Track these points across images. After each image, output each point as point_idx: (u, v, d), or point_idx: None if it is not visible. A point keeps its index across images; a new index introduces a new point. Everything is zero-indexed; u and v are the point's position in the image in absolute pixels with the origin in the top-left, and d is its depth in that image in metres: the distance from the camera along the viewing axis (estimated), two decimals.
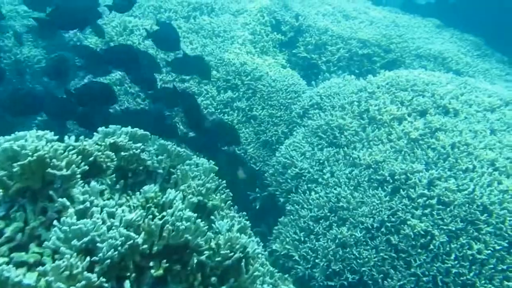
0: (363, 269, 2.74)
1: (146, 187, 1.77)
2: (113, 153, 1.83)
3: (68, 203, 1.52)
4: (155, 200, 1.71)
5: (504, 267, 2.63)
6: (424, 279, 2.65)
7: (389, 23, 5.11)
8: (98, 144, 1.94)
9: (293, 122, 3.75)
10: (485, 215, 2.77)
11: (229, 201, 2.29)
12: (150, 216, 1.56)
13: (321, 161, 3.31)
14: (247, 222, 2.10)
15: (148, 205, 1.63)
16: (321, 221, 3.00)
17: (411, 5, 6.47)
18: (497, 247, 2.67)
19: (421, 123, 3.29)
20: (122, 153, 1.92)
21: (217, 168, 2.37)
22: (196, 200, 2.07)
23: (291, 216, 3.13)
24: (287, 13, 4.74)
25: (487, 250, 2.66)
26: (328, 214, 3.00)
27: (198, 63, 3.34)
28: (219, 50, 4.05)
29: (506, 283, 2.59)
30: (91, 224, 1.42)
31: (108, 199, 1.84)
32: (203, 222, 1.77)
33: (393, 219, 2.83)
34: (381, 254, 2.74)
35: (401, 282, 2.67)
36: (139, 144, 1.99)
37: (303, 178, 3.29)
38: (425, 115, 3.37)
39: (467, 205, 2.81)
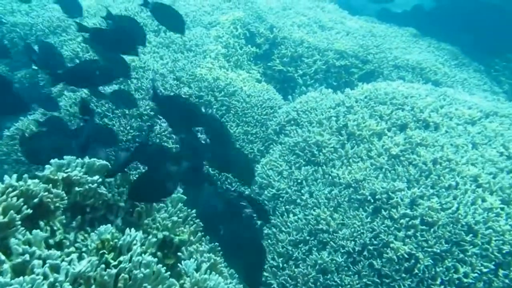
0: None
1: (101, 228, 1.58)
2: (63, 192, 1.63)
3: (3, 257, 1.32)
4: (111, 243, 1.52)
5: None
6: None
7: (365, 33, 5.02)
8: (50, 178, 1.74)
9: (269, 139, 3.60)
10: (470, 235, 2.65)
11: (199, 234, 2.11)
12: (103, 266, 1.37)
13: (299, 181, 3.16)
14: (218, 258, 1.92)
15: (101, 251, 1.44)
16: (300, 246, 2.84)
17: (387, 14, 6.43)
18: (484, 270, 2.55)
19: (401, 138, 3.17)
20: (77, 188, 1.73)
21: (185, 198, 2.19)
22: (162, 236, 1.89)
23: (269, 241, 2.96)
24: (262, 24, 4.60)
25: (473, 273, 2.54)
26: (308, 237, 2.85)
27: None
28: (191, 65, 3.88)
29: None
30: (29, 283, 1.22)
31: (60, 240, 1.64)
32: (166, 265, 1.59)
33: (375, 242, 2.69)
34: (364, 280, 2.59)
35: None
36: (96, 177, 1.80)
37: (280, 199, 3.13)
38: (405, 129, 3.26)
39: (451, 225, 2.69)
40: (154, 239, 1.84)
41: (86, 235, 1.84)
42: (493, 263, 2.58)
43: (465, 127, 3.39)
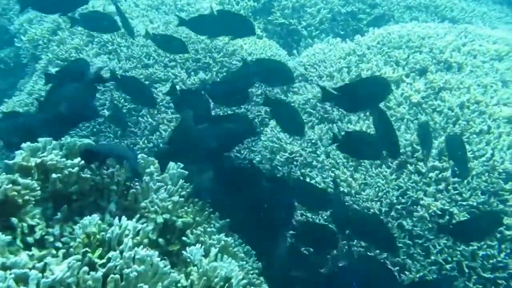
0: None
1: (85, 220, 1.35)
2: (34, 181, 1.39)
3: None
4: (98, 237, 1.28)
5: None
6: (447, 266, 2.27)
7: None
8: (23, 165, 1.49)
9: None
10: (510, 183, 2.37)
11: (206, 212, 1.87)
12: (86, 268, 1.13)
13: (313, 141, 2.88)
14: (230, 239, 1.69)
15: (83, 250, 1.20)
16: (320, 212, 2.60)
17: None
18: None
19: (421, 84, 2.85)
20: (54, 175, 1.48)
21: (186, 172, 1.94)
22: (162, 219, 1.65)
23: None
24: None
25: None
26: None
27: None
28: (184, 27, 3.54)
29: None
30: None
31: (42, 237, 1.41)
32: (170, 252, 1.36)
33: (403, 201, 2.43)
34: None
35: (421, 273, 2.29)
36: (76, 160, 1.55)
37: (295, 163, 2.86)
38: (425, 73, 2.93)
39: (487, 174, 2.41)
40: (151, 226, 1.60)
41: (75, 226, 1.61)
42: None
43: (492, 64, 3.05)
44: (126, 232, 1.37)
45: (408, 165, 2.52)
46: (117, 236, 1.31)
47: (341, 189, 2.59)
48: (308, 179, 2.74)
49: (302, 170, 2.81)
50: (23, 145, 1.53)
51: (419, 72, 2.94)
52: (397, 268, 2.33)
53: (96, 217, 1.41)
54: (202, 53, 3.42)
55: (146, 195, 1.74)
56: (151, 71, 3.29)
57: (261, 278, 1.88)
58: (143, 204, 1.70)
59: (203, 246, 1.53)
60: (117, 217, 1.46)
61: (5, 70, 3.76)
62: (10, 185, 1.30)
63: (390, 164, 2.58)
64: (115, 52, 3.36)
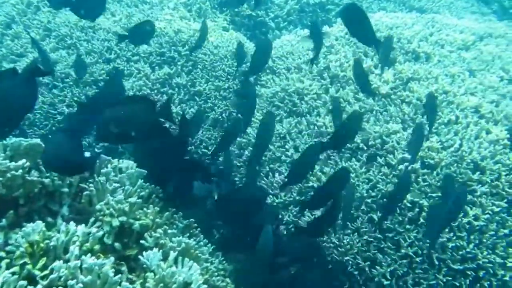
0: (346, 258, 2.31)
1: (28, 227, 1.23)
2: None
3: None
4: (42, 245, 1.17)
5: (507, 231, 2.25)
6: (418, 259, 2.25)
7: None
8: None
9: None
10: (478, 173, 2.37)
11: (167, 213, 1.77)
12: (23, 283, 1.03)
13: (282, 135, 2.81)
14: (191, 240, 1.60)
15: (22, 261, 1.10)
16: (290, 207, 2.53)
17: None
18: (496, 209, 2.28)
19: (390, 75, 2.81)
20: None
21: (145, 172, 1.84)
22: (118, 223, 1.55)
23: None
24: None
25: (484, 215, 2.27)
26: (298, 197, 2.54)
27: None
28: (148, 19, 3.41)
29: (511, 250, 2.21)
30: None
31: None
32: (127, 257, 1.26)
33: (373, 194, 2.39)
34: (365, 237, 2.31)
35: (392, 267, 2.26)
36: (21, 162, 1.43)
37: (263, 158, 2.79)
38: (393, 64, 2.90)
39: (455, 164, 2.40)
40: (107, 229, 1.49)
41: (17, 235, 1.49)
42: (505, 200, 2.31)
43: (459, 54, 3.05)
44: (74, 238, 1.27)
45: (378, 157, 2.48)
46: (63, 243, 1.20)
47: (311, 183, 2.53)
48: (277, 174, 2.67)
49: (271, 165, 2.74)
50: None
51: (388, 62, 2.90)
52: (368, 263, 2.29)
53: (40, 223, 1.29)
54: (166, 46, 3.29)
55: (101, 197, 1.63)
56: (113, 65, 3.15)
57: (227, 280, 1.80)
58: (98, 207, 1.59)
59: (161, 250, 1.44)
60: (64, 223, 1.35)
61: None
62: None
63: (360, 157, 2.54)
64: (74, 47, 3.20)
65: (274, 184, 2.65)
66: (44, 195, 1.58)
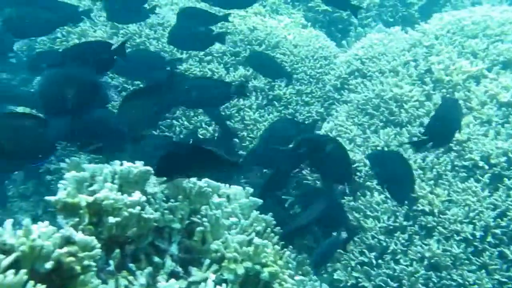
0: None
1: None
2: (92, 238, 1.00)
3: None
4: None
5: None
6: None
7: None
8: (68, 203, 1.11)
9: (329, 98, 2.90)
10: None
11: (287, 253, 1.48)
12: None
13: (379, 148, 2.48)
14: None
15: None
16: (396, 234, 2.21)
17: None
18: None
19: (509, 79, 2.44)
20: (111, 220, 1.10)
21: (260, 201, 1.55)
22: (243, 270, 1.26)
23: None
24: None
25: None
26: (405, 223, 2.21)
27: None
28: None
29: None
30: None
31: None
32: None
33: (503, 224, 2.04)
34: (496, 276, 1.96)
35: None
36: (136, 197, 1.16)
37: (358, 174, 2.47)
38: (510, 67, 2.52)
39: None
40: (231, 277, 1.22)
41: (130, 277, 1.23)
42: None
43: None
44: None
45: (505, 179, 2.12)
46: None
47: (421, 207, 2.20)
48: (376, 193, 2.35)
49: (368, 183, 2.42)
50: (67, 175, 1.14)
51: (503, 64, 2.52)
52: None
53: (174, 284, 1.02)
54: (241, 45, 3.01)
55: (216, 234, 1.36)
56: (185, 66, 2.88)
57: None
58: (214, 246, 1.32)
59: None
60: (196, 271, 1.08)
61: (17, 64, 3.36)
62: (66, 249, 0.91)
63: (480, 178, 2.18)
64: (143, 45, 2.95)
65: (373, 204, 2.33)
66: (152, 231, 1.32)
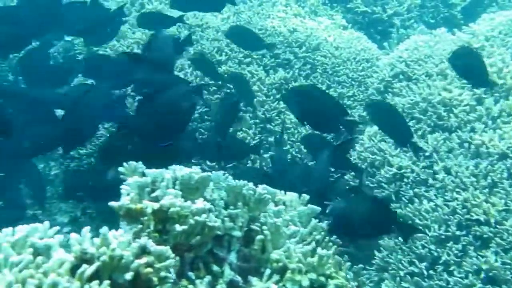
0: None
1: None
2: (167, 248, 0.95)
3: None
4: None
5: None
6: None
7: None
8: (131, 209, 1.07)
9: None
10: None
11: (348, 264, 1.42)
12: None
13: (427, 154, 2.39)
14: None
15: None
16: (448, 244, 2.11)
17: None
18: None
19: None
20: (178, 228, 1.06)
21: (318, 208, 1.49)
22: (308, 282, 1.21)
23: (400, 238, 2.24)
24: None
25: None
26: (457, 232, 2.11)
27: None
28: (258, 17, 3.09)
29: None
30: None
31: None
32: None
33: None
34: None
35: None
36: (202, 205, 1.11)
37: (405, 180, 2.38)
38: None
39: None
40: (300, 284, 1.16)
41: (190, 286, 1.19)
42: None
43: None
44: None
45: None
46: None
47: (475, 216, 2.10)
48: (425, 201, 2.26)
49: (416, 190, 2.33)
50: (130, 180, 1.11)
51: None
52: None
53: None
54: (281, 47, 2.95)
55: (277, 243, 1.30)
56: (224, 68, 2.84)
57: None
58: (275, 256, 1.26)
59: None
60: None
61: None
62: (144, 259, 0.86)
63: None
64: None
65: (422, 212, 2.24)
66: (212, 239, 1.27)
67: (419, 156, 2.28)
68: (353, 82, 2.86)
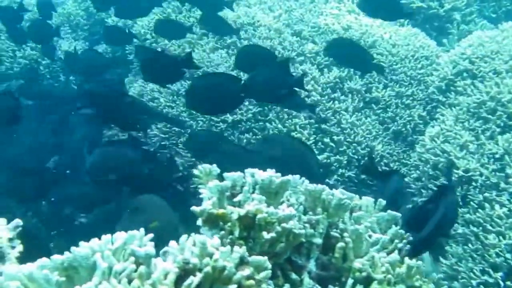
0: None
1: None
2: (265, 260, 0.90)
3: None
4: None
5: None
6: None
7: None
8: (213, 214, 1.02)
9: (432, 101, 2.69)
10: None
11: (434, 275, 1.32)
12: None
13: (497, 156, 2.25)
14: None
15: None
16: None
17: None
18: None
19: None
20: (266, 235, 1.00)
21: (399, 215, 1.40)
22: None
23: (470, 245, 2.11)
24: None
25: None
26: None
27: None
28: (310, 14, 3.02)
29: None
30: None
31: None
32: None
33: None
34: None
35: None
36: (288, 211, 1.05)
37: (473, 183, 2.25)
38: None
39: None
40: None
41: None
42: None
43: None
44: None
45: None
46: None
47: None
48: (498, 206, 2.12)
49: (486, 194, 2.19)
50: (210, 184, 1.06)
51: None
52: None
53: None
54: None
55: (358, 250, 1.23)
56: None
57: None
58: (357, 265, 1.19)
59: None
60: None
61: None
62: (247, 270, 0.81)
63: None
64: (234, 46, 2.88)
65: (495, 218, 2.10)
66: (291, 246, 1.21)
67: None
68: (412, 81, 2.74)
